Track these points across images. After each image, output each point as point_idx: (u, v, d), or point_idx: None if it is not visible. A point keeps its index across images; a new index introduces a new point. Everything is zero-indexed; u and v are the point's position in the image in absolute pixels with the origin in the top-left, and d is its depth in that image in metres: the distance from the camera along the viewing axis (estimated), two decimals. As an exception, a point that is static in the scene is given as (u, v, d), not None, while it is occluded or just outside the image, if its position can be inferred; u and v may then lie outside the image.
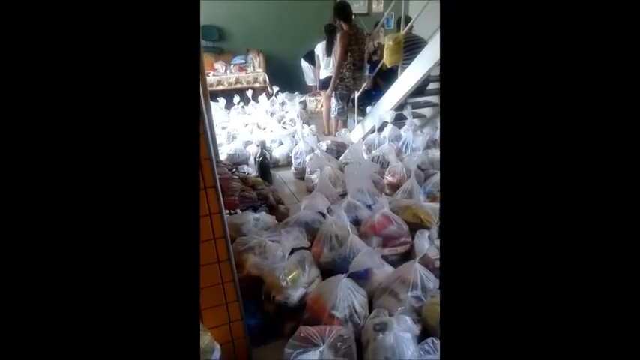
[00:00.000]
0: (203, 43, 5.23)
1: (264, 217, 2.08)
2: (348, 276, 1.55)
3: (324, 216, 1.97)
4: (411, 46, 3.21)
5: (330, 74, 3.56)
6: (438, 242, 1.84)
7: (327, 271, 1.76)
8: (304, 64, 5.17)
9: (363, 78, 3.70)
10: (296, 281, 1.65)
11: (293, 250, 1.74)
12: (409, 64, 3.04)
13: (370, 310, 1.55)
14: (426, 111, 3.93)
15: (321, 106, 4.33)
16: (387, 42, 3.14)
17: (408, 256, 1.92)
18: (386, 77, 3.65)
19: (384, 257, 1.84)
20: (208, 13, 5.17)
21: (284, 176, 3.22)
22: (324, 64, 3.71)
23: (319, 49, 3.81)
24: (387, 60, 3.19)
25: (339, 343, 1.34)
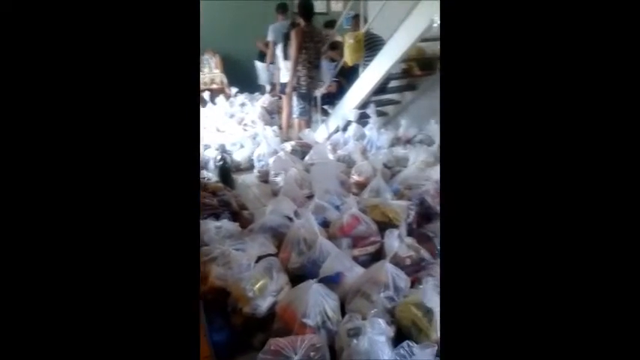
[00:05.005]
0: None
1: (226, 224, 1.97)
2: (319, 281, 1.49)
3: (291, 220, 1.90)
4: (372, 44, 3.21)
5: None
6: (407, 240, 1.83)
7: (297, 277, 1.68)
8: (258, 64, 5.10)
9: (319, 77, 3.64)
10: (264, 290, 1.57)
11: (260, 259, 1.66)
12: (370, 61, 3.04)
13: (343, 314, 1.50)
14: (389, 109, 3.97)
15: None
16: (348, 40, 3.11)
17: (378, 255, 1.89)
18: (348, 76, 3.63)
19: (354, 258, 1.79)
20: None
21: (247, 180, 3.11)
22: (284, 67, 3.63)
23: (279, 51, 3.72)
24: (348, 58, 3.16)
25: (312, 353, 1.27)
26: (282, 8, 4.36)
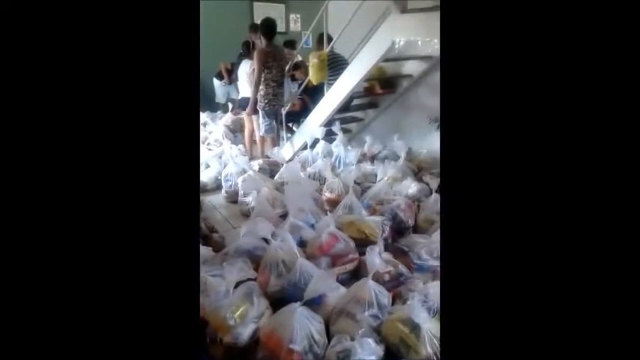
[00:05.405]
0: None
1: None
2: (303, 304, 1.45)
3: (267, 241, 1.85)
4: (335, 64, 3.29)
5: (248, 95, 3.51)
6: (384, 255, 1.85)
7: (277, 300, 1.63)
8: (216, 82, 5.09)
9: (284, 94, 3.66)
10: (244, 317, 1.50)
11: (238, 284, 1.59)
12: (335, 80, 3.10)
13: (328, 335, 1.46)
14: (352, 126, 4.05)
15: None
16: (312, 59, 3.16)
17: (356, 272, 1.89)
18: (312, 94, 3.67)
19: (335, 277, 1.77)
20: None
21: (214, 201, 3.00)
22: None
23: (242, 69, 3.77)
24: (312, 77, 3.21)
25: (301, 380, 1.23)
26: (255, 28, 4.40)
